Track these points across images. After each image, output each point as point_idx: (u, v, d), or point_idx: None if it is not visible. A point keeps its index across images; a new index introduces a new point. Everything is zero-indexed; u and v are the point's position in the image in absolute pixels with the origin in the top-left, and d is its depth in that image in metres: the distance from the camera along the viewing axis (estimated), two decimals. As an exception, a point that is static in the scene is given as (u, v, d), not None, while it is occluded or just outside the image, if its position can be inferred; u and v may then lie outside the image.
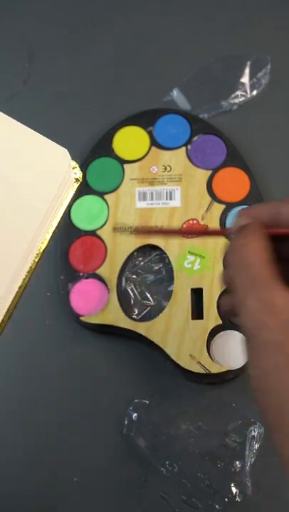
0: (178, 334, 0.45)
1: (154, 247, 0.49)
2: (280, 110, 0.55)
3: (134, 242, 0.49)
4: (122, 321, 0.46)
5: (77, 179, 0.39)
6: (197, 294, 0.47)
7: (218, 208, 0.49)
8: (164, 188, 0.50)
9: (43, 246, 0.39)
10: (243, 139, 0.52)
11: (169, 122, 0.52)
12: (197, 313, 0.46)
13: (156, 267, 0.49)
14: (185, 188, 0.50)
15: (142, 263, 0.49)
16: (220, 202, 0.49)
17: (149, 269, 0.49)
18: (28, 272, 0.38)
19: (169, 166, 0.51)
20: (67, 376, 0.47)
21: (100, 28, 0.59)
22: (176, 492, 0.43)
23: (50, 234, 0.39)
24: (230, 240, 0.30)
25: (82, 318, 0.47)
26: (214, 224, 0.49)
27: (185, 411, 0.45)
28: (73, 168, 0.39)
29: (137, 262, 0.49)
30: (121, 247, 0.48)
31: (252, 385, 0.26)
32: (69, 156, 0.40)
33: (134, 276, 0.49)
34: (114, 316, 0.46)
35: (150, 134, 0.52)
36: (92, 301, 0.47)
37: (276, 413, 0.25)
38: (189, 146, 0.51)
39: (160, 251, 0.49)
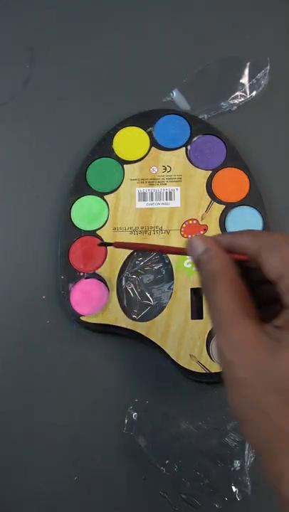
0: (178, 334, 0.46)
1: (154, 247, 0.49)
2: (280, 111, 0.55)
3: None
4: (122, 321, 0.46)
5: None
6: (197, 293, 0.47)
7: (218, 208, 0.49)
8: (164, 189, 0.50)
9: None
10: (242, 140, 0.52)
11: (168, 123, 0.52)
12: (197, 313, 0.46)
13: (156, 267, 0.49)
14: (185, 188, 0.50)
15: (141, 263, 0.49)
16: (219, 202, 0.49)
17: (149, 269, 0.49)
18: None
19: (169, 167, 0.51)
20: (67, 376, 0.47)
21: (100, 29, 0.59)
22: (175, 491, 0.44)
23: None
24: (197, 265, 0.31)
25: (82, 318, 0.47)
26: (214, 224, 0.49)
27: (185, 410, 0.45)
28: None
29: (137, 262, 0.49)
30: (121, 247, 0.49)
31: (233, 416, 0.28)
32: None
33: (134, 276, 0.49)
34: (114, 315, 0.47)
35: (150, 134, 0.52)
36: (93, 301, 0.47)
37: (256, 440, 0.27)
38: (189, 147, 0.51)
39: (160, 251, 0.49)
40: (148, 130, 0.52)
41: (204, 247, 0.30)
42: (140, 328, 0.46)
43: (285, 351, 0.26)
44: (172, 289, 0.47)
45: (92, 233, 0.49)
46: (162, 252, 0.47)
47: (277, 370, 0.26)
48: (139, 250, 0.49)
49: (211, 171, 0.50)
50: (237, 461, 0.43)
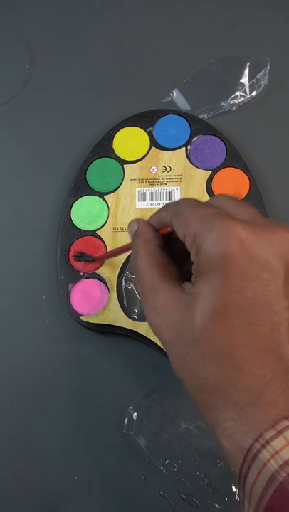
0: (178, 334, 0.46)
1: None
2: (280, 111, 0.55)
3: (134, 242, 0.49)
4: (122, 321, 0.46)
5: None
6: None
7: (218, 208, 0.49)
8: (164, 189, 0.50)
9: None
10: (242, 140, 0.52)
11: (168, 123, 0.52)
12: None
13: (156, 267, 0.49)
14: (185, 188, 0.50)
15: (141, 263, 0.49)
16: (219, 202, 0.49)
17: (149, 269, 0.49)
18: None
19: (169, 167, 0.51)
20: (67, 376, 0.47)
21: (100, 29, 0.59)
22: (175, 491, 0.44)
23: None
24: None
25: (82, 318, 0.47)
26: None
27: (185, 410, 0.45)
28: None
29: (137, 262, 0.49)
30: (121, 247, 0.49)
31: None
32: None
33: (134, 276, 0.49)
34: (114, 315, 0.47)
35: (150, 134, 0.52)
36: (93, 301, 0.47)
37: (193, 395, 0.28)
38: (189, 147, 0.51)
39: (160, 251, 0.49)
40: (148, 130, 0.52)
41: (136, 228, 0.33)
42: (140, 328, 0.46)
43: (193, 304, 0.27)
44: (172, 289, 0.47)
45: (92, 233, 0.49)
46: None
47: (189, 322, 0.27)
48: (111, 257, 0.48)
49: (211, 171, 0.51)
50: (237, 461, 0.43)
